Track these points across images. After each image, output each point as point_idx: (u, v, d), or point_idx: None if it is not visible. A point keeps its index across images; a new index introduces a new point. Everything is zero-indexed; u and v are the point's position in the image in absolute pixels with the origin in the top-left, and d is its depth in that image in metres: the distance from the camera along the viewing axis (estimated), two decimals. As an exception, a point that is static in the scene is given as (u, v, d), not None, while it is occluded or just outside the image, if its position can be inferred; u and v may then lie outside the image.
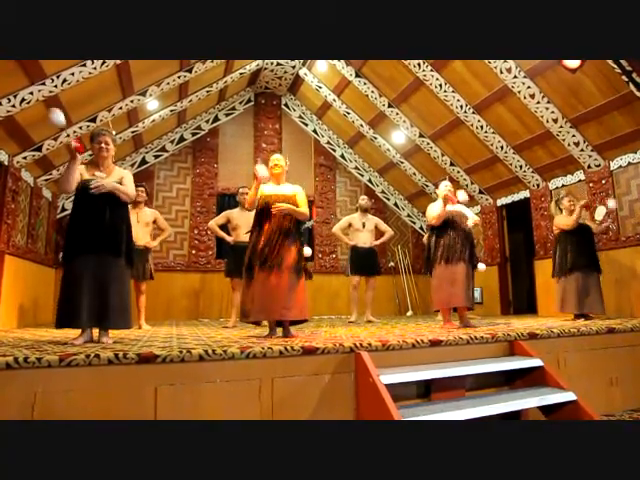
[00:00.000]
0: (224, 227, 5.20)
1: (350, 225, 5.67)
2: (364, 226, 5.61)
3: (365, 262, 5.54)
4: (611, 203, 4.74)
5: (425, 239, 6.27)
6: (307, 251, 3.30)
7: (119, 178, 2.89)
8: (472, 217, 4.00)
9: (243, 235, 4.97)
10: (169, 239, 7.31)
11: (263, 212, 3.18)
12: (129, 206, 2.98)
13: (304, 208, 3.23)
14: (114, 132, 3.02)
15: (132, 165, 7.21)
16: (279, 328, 3.21)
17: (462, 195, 3.95)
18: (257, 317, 3.11)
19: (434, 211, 3.95)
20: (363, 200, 5.76)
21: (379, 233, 5.81)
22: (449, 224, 3.91)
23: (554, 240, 4.97)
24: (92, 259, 2.68)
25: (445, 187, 3.95)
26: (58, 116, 2.62)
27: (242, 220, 4.96)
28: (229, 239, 5.09)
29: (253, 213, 4.96)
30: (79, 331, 2.76)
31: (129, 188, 2.89)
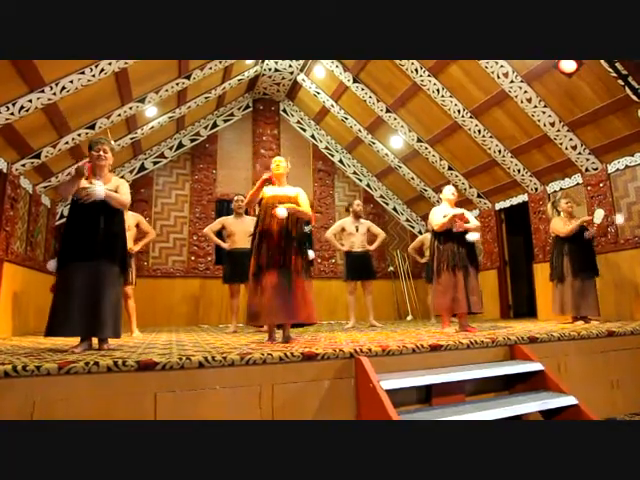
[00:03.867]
0: (219, 234, 5.22)
1: (343, 229, 5.62)
2: (357, 230, 5.56)
3: (361, 267, 5.48)
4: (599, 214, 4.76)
5: (410, 249, 6.37)
6: (310, 254, 3.31)
7: (115, 187, 2.89)
8: (474, 234, 3.91)
9: (239, 241, 4.99)
10: (168, 245, 7.32)
11: (266, 214, 3.15)
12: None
13: (306, 208, 3.24)
14: (113, 141, 3.03)
15: (131, 172, 7.23)
16: (278, 331, 3.20)
17: (472, 236, 3.87)
18: (266, 320, 3.05)
19: (438, 219, 3.95)
20: (359, 206, 5.66)
21: (372, 236, 5.73)
22: (452, 232, 3.92)
23: (552, 243, 4.97)
24: (86, 266, 2.67)
25: (449, 192, 4.01)
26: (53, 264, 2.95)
27: (237, 227, 5.03)
28: (224, 245, 5.12)
29: (248, 220, 5.02)
30: (78, 339, 2.75)
31: (123, 196, 2.88)
